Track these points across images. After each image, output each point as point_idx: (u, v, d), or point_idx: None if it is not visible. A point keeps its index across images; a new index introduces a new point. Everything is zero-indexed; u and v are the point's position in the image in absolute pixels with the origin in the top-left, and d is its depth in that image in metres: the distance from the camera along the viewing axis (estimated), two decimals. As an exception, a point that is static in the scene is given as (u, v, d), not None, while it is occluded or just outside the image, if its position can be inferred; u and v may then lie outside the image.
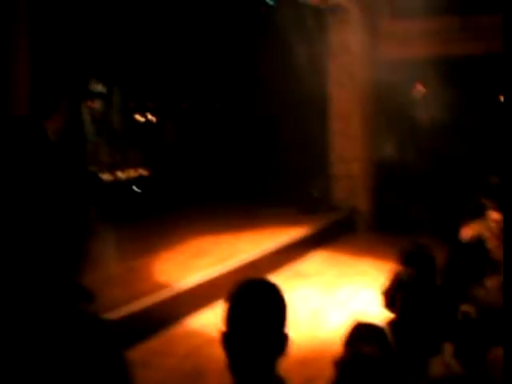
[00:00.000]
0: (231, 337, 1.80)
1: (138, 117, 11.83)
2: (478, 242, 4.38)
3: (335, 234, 9.34)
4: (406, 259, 4.02)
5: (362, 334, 2.83)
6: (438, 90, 9.56)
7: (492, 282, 3.66)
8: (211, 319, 5.78)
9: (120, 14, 8.32)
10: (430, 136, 9.77)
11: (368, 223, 9.98)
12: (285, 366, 1.88)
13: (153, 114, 12.42)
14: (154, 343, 5.53)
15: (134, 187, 11.35)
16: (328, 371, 2.68)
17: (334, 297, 6.81)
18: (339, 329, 5.62)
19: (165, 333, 5.74)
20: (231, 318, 1.82)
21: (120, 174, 10.11)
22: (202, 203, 10.77)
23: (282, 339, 1.81)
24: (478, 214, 4.86)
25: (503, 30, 3.04)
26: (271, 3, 7.94)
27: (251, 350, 1.78)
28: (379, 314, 3.99)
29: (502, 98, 9.29)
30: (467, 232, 4.74)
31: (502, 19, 3.05)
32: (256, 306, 1.80)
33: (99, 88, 10.73)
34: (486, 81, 8.62)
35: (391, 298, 3.51)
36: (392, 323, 3.19)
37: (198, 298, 6.25)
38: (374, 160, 10.15)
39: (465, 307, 3.26)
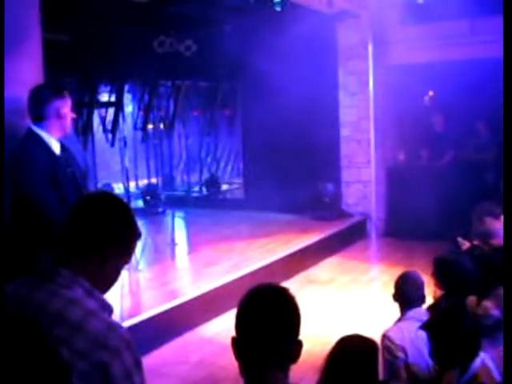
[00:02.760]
0: (242, 343, 1.78)
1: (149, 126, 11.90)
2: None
3: (347, 240, 9.32)
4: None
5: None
6: (450, 95, 9.53)
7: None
8: (224, 327, 5.77)
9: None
10: (443, 141, 9.72)
11: (380, 229, 9.95)
12: (298, 373, 1.87)
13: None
14: (167, 351, 5.54)
15: (147, 196, 11.44)
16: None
17: (348, 303, 6.79)
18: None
19: (178, 341, 5.75)
20: (242, 323, 1.80)
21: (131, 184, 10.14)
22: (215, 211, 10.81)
23: (295, 346, 1.79)
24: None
25: (504, 31, 3.03)
26: (278, 9, 7.94)
27: (263, 357, 1.75)
28: (391, 320, 3.99)
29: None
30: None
31: (503, 20, 3.03)
32: (267, 311, 1.77)
33: (110, 96, 10.81)
34: (498, 85, 8.57)
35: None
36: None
37: (210, 305, 6.25)
38: (386, 166, 10.13)
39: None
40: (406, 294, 3.82)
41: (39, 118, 3.75)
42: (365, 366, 2.74)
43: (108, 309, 1.80)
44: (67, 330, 1.65)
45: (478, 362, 2.74)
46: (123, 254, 1.88)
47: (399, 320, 3.84)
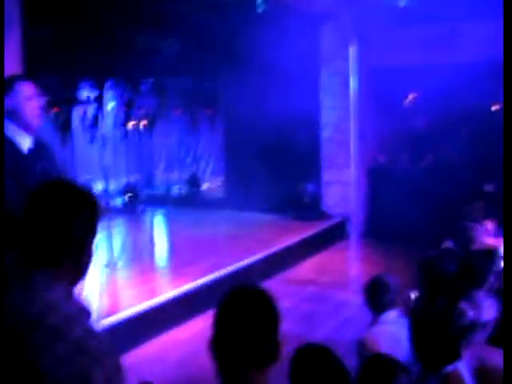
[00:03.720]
0: (220, 343, 1.78)
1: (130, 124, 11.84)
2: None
3: (327, 241, 9.34)
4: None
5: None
6: (432, 98, 9.60)
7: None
8: (203, 327, 5.75)
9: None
10: (424, 143, 9.79)
11: (360, 230, 9.99)
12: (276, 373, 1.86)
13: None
14: (146, 351, 5.51)
15: (127, 194, 11.37)
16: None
17: (326, 305, 6.80)
18: (331, 337, 5.64)
19: (156, 340, 5.72)
20: (220, 324, 1.79)
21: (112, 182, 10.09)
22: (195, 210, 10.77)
23: (274, 346, 1.79)
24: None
25: (503, 33, 3.05)
26: (260, 11, 7.94)
27: (240, 357, 1.74)
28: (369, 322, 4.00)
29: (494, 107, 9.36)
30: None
31: (503, 22, 3.05)
32: (245, 311, 1.77)
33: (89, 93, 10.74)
34: (479, 88, 8.64)
35: None
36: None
37: (189, 305, 6.23)
38: (367, 167, 10.17)
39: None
40: (377, 298, 3.85)
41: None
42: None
43: (86, 313, 1.75)
44: (46, 335, 1.60)
45: (450, 366, 2.74)
46: (93, 235, 1.80)
47: (372, 325, 3.85)
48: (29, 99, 3.60)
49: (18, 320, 1.61)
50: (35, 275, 1.70)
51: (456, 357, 2.76)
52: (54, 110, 9.99)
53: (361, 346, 3.62)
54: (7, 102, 3.54)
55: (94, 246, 1.81)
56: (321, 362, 2.66)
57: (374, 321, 3.85)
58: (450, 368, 2.71)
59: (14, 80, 3.70)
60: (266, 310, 1.81)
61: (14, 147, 3.52)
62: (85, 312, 1.74)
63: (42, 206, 1.74)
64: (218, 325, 1.80)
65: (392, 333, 3.57)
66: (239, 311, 1.78)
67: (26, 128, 3.60)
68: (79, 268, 1.79)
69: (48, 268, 1.70)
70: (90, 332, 1.67)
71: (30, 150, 3.60)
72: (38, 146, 3.68)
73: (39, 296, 1.66)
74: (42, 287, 1.68)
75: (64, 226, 1.72)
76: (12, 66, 4.56)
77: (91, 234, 1.80)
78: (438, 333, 2.82)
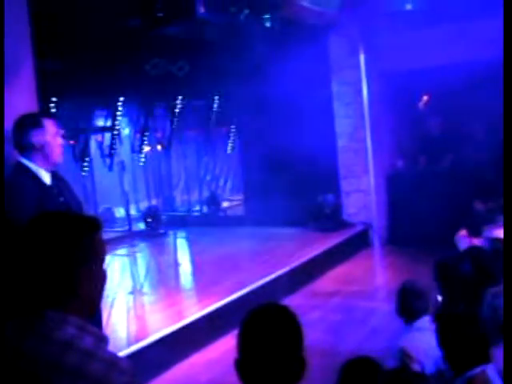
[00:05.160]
0: (246, 364, 1.79)
1: (145, 147, 11.93)
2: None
3: (350, 250, 9.30)
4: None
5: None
6: (445, 100, 9.56)
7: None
8: (232, 345, 5.74)
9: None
10: (441, 144, 9.73)
11: (382, 237, 9.93)
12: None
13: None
14: (176, 373, 5.51)
15: (148, 218, 11.44)
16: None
17: (354, 314, 6.76)
18: (360, 347, 5.60)
19: (186, 362, 5.73)
20: (244, 345, 1.81)
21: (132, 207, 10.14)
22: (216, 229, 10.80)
23: (298, 363, 1.80)
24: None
25: (503, 33, 3.04)
26: (268, 25, 7.99)
27: (266, 377, 1.76)
28: (398, 331, 3.97)
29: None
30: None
31: (503, 22, 3.04)
32: (267, 331, 1.78)
33: (106, 121, 10.84)
34: (492, 87, 8.59)
35: None
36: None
37: (216, 325, 6.24)
38: (385, 173, 10.14)
39: None
40: (409, 305, 3.82)
41: (20, 149, 3.74)
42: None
43: (104, 340, 1.71)
44: (66, 376, 1.57)
45: (476, 369, 2.72)
46: (99, 261, 1.75)
47: (407, 332, 3.82)
48: (54, 136, 3.79)
49: (35, 363, 1.59)
50: (46, 315, 1.66)
51: (484, 359, 2.74)
52: (71, 142, 10.13)
53: (403, 354, 3.58)
54: (36, 138, 3.71)
55: (104, 271, 1.77)
56: (370, 375, 2.68)
57: (408, 328, 3.82)
58: (476, 370, 2.69)
59: (41, 116, 3.91)
60: (288, 327, 1.82)
61: (38, 179, 3.67)
62: (102, 340, 1.71)
63: (40, 240, 1.69)
64: (242, 345, 1.82)
65: (427, 339, 3.54)
66: (262, 330, 1.79)
67: (49, 163, 3.76)
68: (91, 297, 1.75)
69: (57, 305, 1.67)
70: (111, 364, 1.63)
71: (53, 183, 3.75)
72: (58, 180, 3.83)
73: (53, 336, 1.63)
74: (55, 326, 1.64)
75: (65, 258, 1.67)
76: (27, 101, 4.63)
77: (96, 261, 1.74)
78: (464, 336, 2.80)
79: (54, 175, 3.83)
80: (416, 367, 3.49)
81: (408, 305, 3.83)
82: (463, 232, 5.10)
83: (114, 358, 1.67)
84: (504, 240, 3.20)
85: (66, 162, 4.30)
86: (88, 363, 1.60)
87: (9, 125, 4.04)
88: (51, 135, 3.77)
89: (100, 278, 1.76)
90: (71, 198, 3.86)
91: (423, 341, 3.57)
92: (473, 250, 4.57)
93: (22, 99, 4.62)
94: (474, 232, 4.81)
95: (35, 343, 1.62)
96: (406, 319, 3.85)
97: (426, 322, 3.75)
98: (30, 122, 3.77)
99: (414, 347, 3.59)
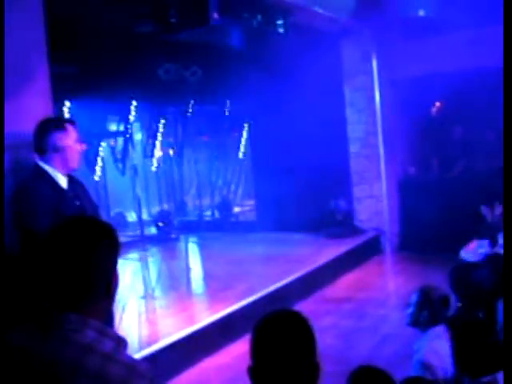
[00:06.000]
0: (259, 371, 1.78)
1: (157, 152, 11.96)
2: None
3: (362, 256, 9.28)
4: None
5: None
6: (458, 106, 9.53)
7: None
8: (244, 350, 5.73)
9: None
10: (453, 150, 9.70)
11: (394, 243, 9.90)
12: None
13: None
14: (188, 377, 5.51)
15: (160, 223, 11.46)
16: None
17: (366, 321, 6.74)
18: (371, 353, 5.58)
19: (198, 367, 5.72)
20: (257, 351, 1.80)
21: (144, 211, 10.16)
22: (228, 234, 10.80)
23: (313, 369, 1.79)
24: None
25: (504, 36, 3.03)
26: (281, 31, 8.00)
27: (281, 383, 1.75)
28: (412, 337, 3.95)
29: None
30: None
31: (503, 25, 3.03)
32: (281, 337, 1.78)
33: (118, 126, 10.89)
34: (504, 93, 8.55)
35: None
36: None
37: (228, 329, 6.23)
38: (397, 179, 10.11)
39: None
40: (424, 312, 3.78)
41: (40, 152, 3.77)
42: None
43: (123, 343, 1.72)
44: (87, 380, 1.57)
45: (489, 377, 2.70)
46: (115, 266, 1.78)
47: (422, 339, 3.79)
48: (75, 142, 3.86)
49: (56, 366, 1.59)
50: (67, 317, 1.66)
51: (496, 367, 2.72)
52: (84, 146, 10.17)
53: (425, 362, 3.55)
54: (58, 140, 3.76)
55: (117, 274, 1.79)
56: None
57: (425, 335, 3.79)
58: (487, 378, 2.68)
59: (66, 121, 3.97)
60: (302, 333, 1.81)
61: (55, 182, 3.71)
62: (121, 344, 1.71)
63: (63, 244, 1.71)
64: (255, 352, 1.80)
65: (444, 346, 3.50)
66: (275, 336, 1.79)
67: (67, 167, 3.80)
68: (108, 300, 1.77)
69: (79, 308, 1.68)
70: (131, 368, 1.64)
71: (69, 187, 3.79)
72: (75, 184, 3.86)
73: (74, 339, 1.63)
74: (76, 329, 1.65)
75: (85, 262, 1.69)
76: (42, 105, 4.66)
77: (114, 265, 1.77)
78: (478, 343, 2.78)
79: (71, 179, 3.86)
80: (440, 374, 3.46)
81: (422, 311, 3.79)
82: (472, 245, 5.04)
83: (133, 361, 1.68)
84: (504, 243, 3.18)
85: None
86: (108, 367, 1.61)
87: (24, 128, 4.08)
88: (73, 140, 3.83)
89: (116, 281, 1.78)
90: (87, 201, 3.89)
91: (441, 348, 3.53)
92: (493, 257, 4.53)
93: (37, 103, 4.66)
94: (491, 240, 4.77)
95: (56, 345, 1.62)
96: (421, 326, 3.82)
97: (440, 331, 3.71)
98: (53, 125, 3.84)
99: (432, 355, 3.56)
